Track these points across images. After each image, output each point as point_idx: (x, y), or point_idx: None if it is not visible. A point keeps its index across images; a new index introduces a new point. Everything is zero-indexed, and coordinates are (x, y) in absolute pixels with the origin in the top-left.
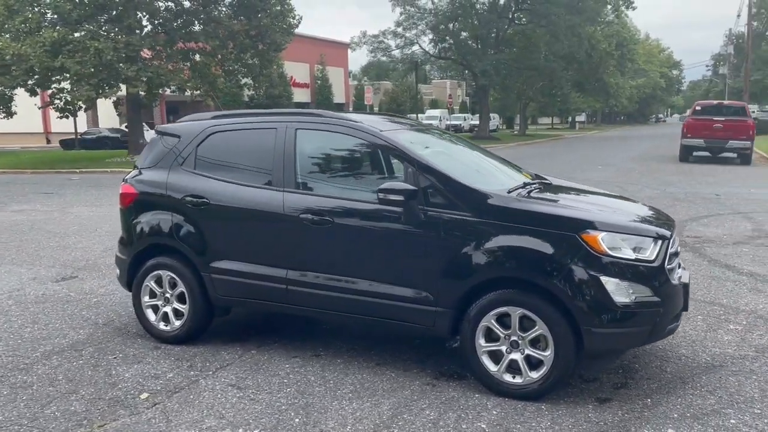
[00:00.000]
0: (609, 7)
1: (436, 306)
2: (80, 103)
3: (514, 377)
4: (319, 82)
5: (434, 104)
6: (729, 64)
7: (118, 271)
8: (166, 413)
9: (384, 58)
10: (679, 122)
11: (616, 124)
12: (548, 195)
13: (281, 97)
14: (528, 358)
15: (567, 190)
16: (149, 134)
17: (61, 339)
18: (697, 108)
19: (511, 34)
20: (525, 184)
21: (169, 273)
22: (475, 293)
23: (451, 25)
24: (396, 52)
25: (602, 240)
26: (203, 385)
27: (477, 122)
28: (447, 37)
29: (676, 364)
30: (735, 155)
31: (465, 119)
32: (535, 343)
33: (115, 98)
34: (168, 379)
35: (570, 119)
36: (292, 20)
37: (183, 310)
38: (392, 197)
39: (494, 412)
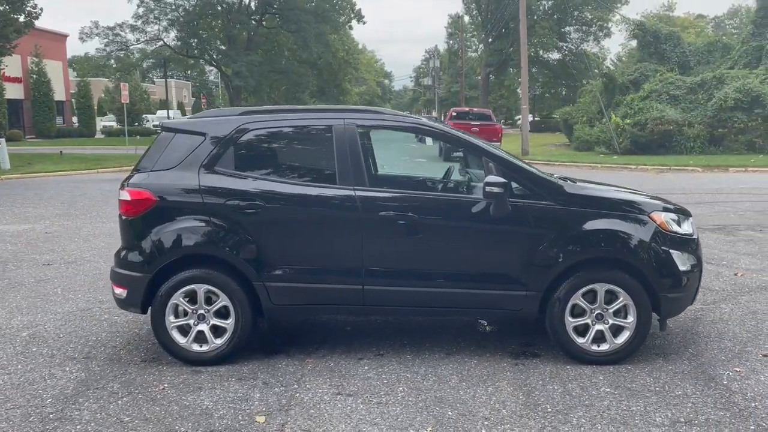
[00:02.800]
0: (342, 18)
1: (527, 291)
2: None
3: (599, 346)
4: (34, 76)
5: (162, 105)
6: (437, 77)
7: (120, 290)
8: (308, 431)
9: (121, 53)
10: None
11: None
12: (596, 185)
13: None
14: (612, 328)
15: (593, 183)
16: None
17: (61, 381)
18: (454, 113)
19: (261, 37)
20: (565, 178)
21: (207, 286)
22: (564, 275)
23: (198, 23)
24: (137, 47)
25: (665, 219)
26: (308, 398)
27: None
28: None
29: None
30: None
31: None
32: (616, 313)
33: None
34: (262, 399)
35: None
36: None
37: (225, 326)
38: (495, 190)
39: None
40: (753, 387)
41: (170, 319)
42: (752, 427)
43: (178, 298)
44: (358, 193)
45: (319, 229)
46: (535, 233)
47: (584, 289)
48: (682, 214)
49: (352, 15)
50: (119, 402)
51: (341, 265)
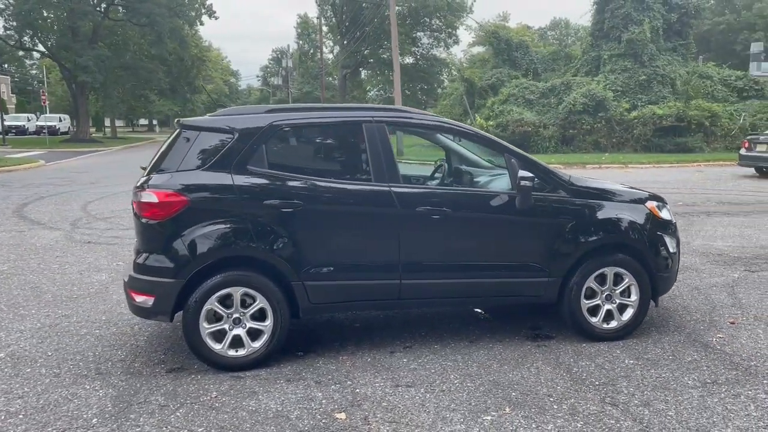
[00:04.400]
0: (193, 14)
1: (548, 277)
2: None
3: (608, 324)
4: None
5: None
6: (290, 77)
7: (144, 298)
8: (396, 422)
9: None
10: None
11: None
12: (591, 179)
13: None
14: (618, 307)
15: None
16: None
17: (91, 399)
18: None
19: (106, 29)
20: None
21: (244, 289)
22: (580, 261)
23: (33, 12)
24: None
25: (655, 206)
26: (372, 393)
27: (53, 123)
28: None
29: None
30: None
31: (61, 120)
32: (622, 293)
33: None
34: (326, 397)
35: (150, 122)
36: None
37: (262, 329)
38: (527, 183)
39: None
40: (742, 348)
41: (204, 326)
42: (765, 381)
43: (212, 303)
44: (394, 189)
45: (357, 225)
46: (556, 223)
47: (596, 273)
48: (662, 201)
49: (203, 10)
50: (178, 414)
51: (379, 261)
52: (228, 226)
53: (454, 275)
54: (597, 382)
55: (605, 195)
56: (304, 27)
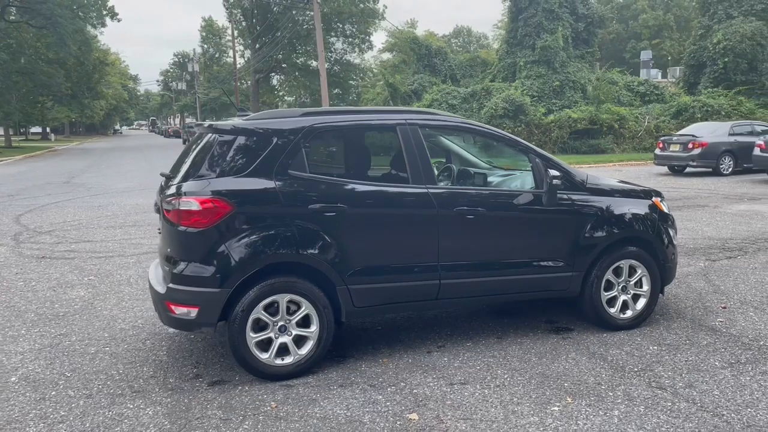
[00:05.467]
0: (95, 15)
1: (572, 271)
2: None
3: (624, 313)
4: None
5: None
6: (197, 81)
7: (186, 310)
8: (469, 419)
9: None
10: (145, 131)
11: (79, 136)
12: (599, 177)
13: None
14: (633, 297)
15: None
16: None
17: (143, 418)
18: None
19: (1, 32)
20: None
21: (290, 295)
22: (600, 255)
23: None
24: None
25: (659, 201)
26: (431, 392)
27: None
28: None
29: None
30: None
31: None
32: (635, 284)
33: None
34: (389, 399)
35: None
36: None
37: (308, 335)
38: (558, 182)
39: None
40: (746, 330)
41: (251, 335)
42: None
43: (259, 312)
44: (431, 190)
45: (398, 227)
46: (579, 219)
47: (613, 266)
48: (661, 196)
49: (105, 11)
50: (246, 426)
51: (420, 262)
52: (273, 232)
53: (488, 273)
54: (635, 369)
55: (617, 192)
56: (210, 30)
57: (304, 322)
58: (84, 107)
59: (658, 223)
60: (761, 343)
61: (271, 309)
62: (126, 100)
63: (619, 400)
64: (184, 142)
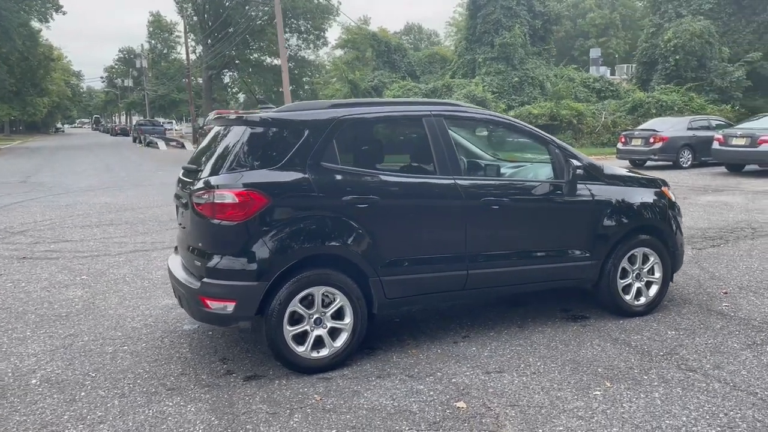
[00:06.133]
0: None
1: (591, 260)
2: None
3: (638, 300)
4: None
5: None
6: (145, 78)
7: (223, 304)
8: (516, 405)
9: None
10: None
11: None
12: (616, 168)
13: None
14: (646, 284)
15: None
16: None
17: (187, 416)
18: (217, 116)
19: None
20: None
21: (325, 288)
22: (616, 243)
23: None
24: None
25: (667, 190)
26: (471, 381)
27: None
28: None
29: None
30: None
31: None
32: (648, 272)
33: None
34: (432, 389)
35: None
36: None
37: (342, 327)
38: (581, 172)
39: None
40: (753, 314)
41: (288, 328)
42: None
43: (296, 305)
44: (458, 181)
45: (428, 218)
46: (598, 209)
47: (628, 254)
48: (668, 185)
49: (50, 4)
50: (296, 418)
51: (449, 253)
52: (309, 224)
53: (513, 263)
54: (661, 353)
55: (631, 181)
56: (158, 26)
57: (338, 315)
58: (26, 104)
59: (668, 211)
60: None
61: (306, 302)
62: (69, 97)
63: (655, 383)
64: (134, 141)
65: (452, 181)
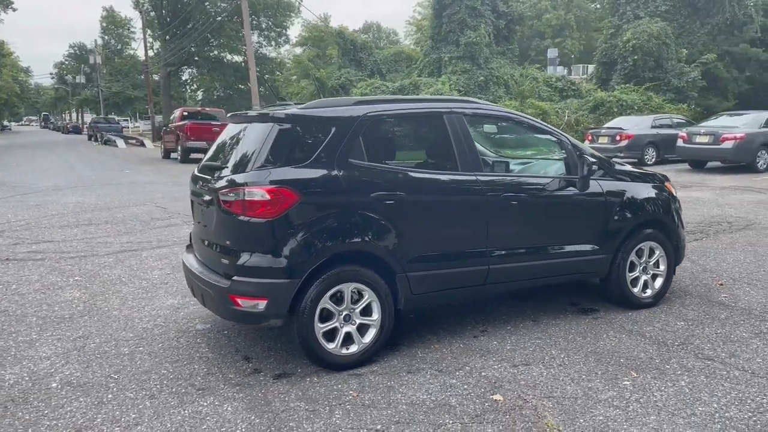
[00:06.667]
0: None
1: (602, 254)
2: None
3: (645, 293)
4: None
5: None
6: (99, 75)
7: (254, 302)
8: (551, 397)
9: None
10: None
11: None
12: (622, 164)
13: None
14: (652, 277)
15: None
16: None
17: (225, 414)
18: (185, 113)
19: None
20: None
21: (354, 284)
22: (625, 238)
23: None
24: None
25: (669, 185)
26: (501, 374)
27: None
28: None
29: None
30: None
31: None
32: (654, 265)
33: None
34: (463, 383)
35: None
36: None
37: (370, 323)
38: (595, 167)
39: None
40: (752, 304)
41: (319, 325)
42: None
43: (326, 302)
44: (480, 177)
45: (452, 214)
46: (610, 203)
47: (636, 248)
48: (669, 180)
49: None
50: (338, 415)
51: (472, 248)
52: (339, 221)
53: (531, 258)
54: (676, 343)
55: (638, 177)
56: (111, 21)
57: (366, 311)
58: None
59: (671, 205)
60: None
61: (334, 298)
62: (17, 94)
63: (679, 372)
64: (90, 139)
65: (474, 177)
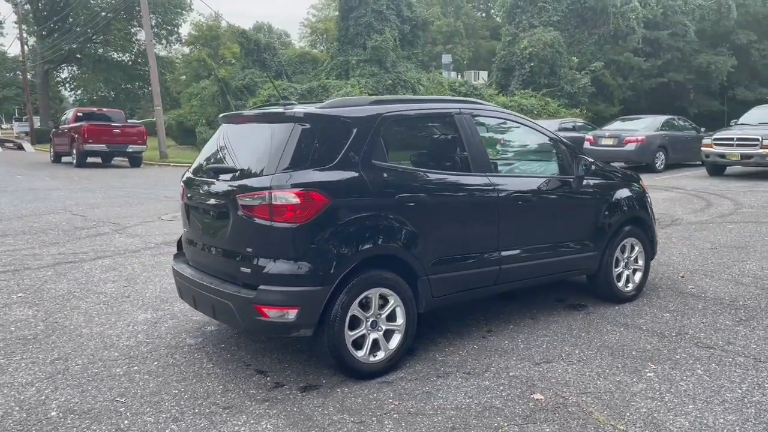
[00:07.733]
0: None
1: (594, 251)
2: None
3: (627, 287)
4: None
5: None
6: None
7: (283, 311)
8: (587, 393)
9: None
10: None
11: None
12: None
13: None
14: (632, 272)
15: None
16: None
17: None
18: (80, 114)
19: None
20: None
21: (381, 290)
22: (613, 235)
23: None
24: None
25: (643, 183)
26: (528, 374)
27: None
28: None
29: None
30: (128, 159)
31: None
32: (634, 261)
33: None
34: (499, 384)
35: None
36: None
37: (395, 328)
38: (593, 167)
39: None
40: (718, 293)
41: (349, 333)
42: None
43: (355, 308)
44: (491, 179)
45: (468, 215)
46: (602, 202)
47: (621, 245)
48: (641, 179)
49: None
50: (387, 425)
51: (485, 249)
52: (367, 224)
53: (536, 256)
54: (673, 334)
55: (621, 176)
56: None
57: (390, 316)
58: None
59: (647, 203)
60: (741, 303)
61: (361, 305)
62: None
63: (690, 361)
64: None
65: (486, 179)
